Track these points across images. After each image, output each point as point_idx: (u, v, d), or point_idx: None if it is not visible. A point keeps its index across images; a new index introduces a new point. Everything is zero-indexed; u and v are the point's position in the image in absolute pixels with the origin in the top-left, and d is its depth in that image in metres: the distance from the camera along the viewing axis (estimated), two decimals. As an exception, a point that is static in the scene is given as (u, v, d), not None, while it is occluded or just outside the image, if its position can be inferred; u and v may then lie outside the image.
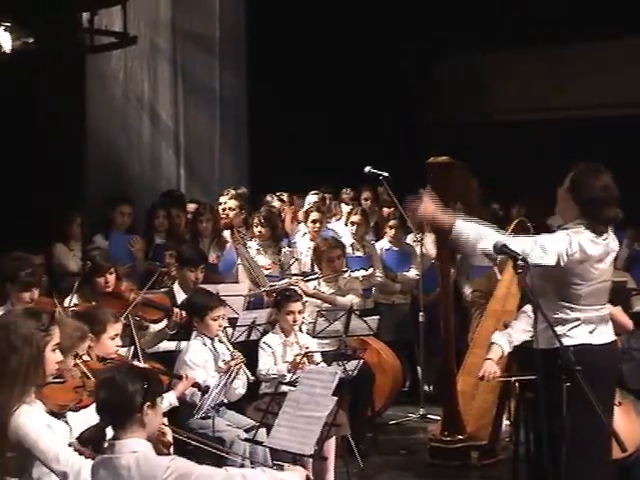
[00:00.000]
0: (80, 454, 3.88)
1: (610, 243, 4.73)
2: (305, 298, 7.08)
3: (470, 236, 4.57)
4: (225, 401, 6.05)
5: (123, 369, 3.80)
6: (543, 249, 4.55)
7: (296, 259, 8.48)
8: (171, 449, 4.28)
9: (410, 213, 4.73)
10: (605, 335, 4.77)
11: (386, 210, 9.67)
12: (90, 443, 3.78)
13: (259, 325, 6.74)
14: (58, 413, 4.26)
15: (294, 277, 7.87)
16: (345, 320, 7.16)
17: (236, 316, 6.74)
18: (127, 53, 10.06)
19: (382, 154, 9.06)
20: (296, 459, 5.02)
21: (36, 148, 8.64)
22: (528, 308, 4.91)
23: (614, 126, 11.54)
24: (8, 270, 5.83)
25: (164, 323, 6.47)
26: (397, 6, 12.05)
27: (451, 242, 4.77)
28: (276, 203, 9.60)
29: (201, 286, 6.84)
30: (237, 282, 7.67)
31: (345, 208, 9.74)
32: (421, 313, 8.21)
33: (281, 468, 4.35)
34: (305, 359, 6.32)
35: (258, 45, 11.54)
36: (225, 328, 6.30)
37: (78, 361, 4.79)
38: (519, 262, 4.43)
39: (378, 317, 7.51)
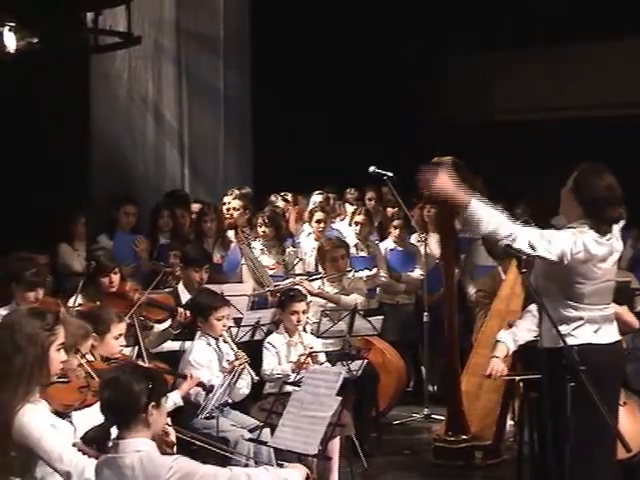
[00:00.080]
0: (84, 454, 3.88)
1: (614, 243, 4.74)
2: (309, 298, 7.10)
3: (483, 217, 4.55)
4: (229, 401, 6.05)
5: (128, 369, 3.80)
6: (549, 243, 4.56)
7: (300, 259, 8.48)
8: (174, 449, 4.25)
9: (424, 184, 4.68)
10: (610, 335, 4.77)
11: (390, 210, 9.66)
12: (95, 443, 3.78)
13: (263, 325, 6.75)
14: (62, 413, 4.26)
15: (298, 277, 7.88)
16: (349, 320, 7.16)
17: (240, 316, 6.74)
18: (131, 53, 10.08)
19: (384, 154, 9.05)
20: (300, 459, 5.04)
21: (40, 148, 8.67)
22: (533, 307, 4.92)
23: (614, 126, 11.53)
24: (13, 270, 5.83)
25: (168, 323, 6.47)
26: (397, 6, 12.03)
27: (463, 219, 4.73)
28: (280, 203, 9.60)
29: (205, 286, 6.85)
30: (241, 282, 7.68)
31: (349, 208, 9.74)
32: (425, 313, 8.20)
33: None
34: (309, 359, 6.32)
35: (262, 45, 11.55)
36: (229, 328, 6.30)
37: (82, 361, 4.80)
38: (523, 256, 4.46)
39: (382, 317, 7.51)
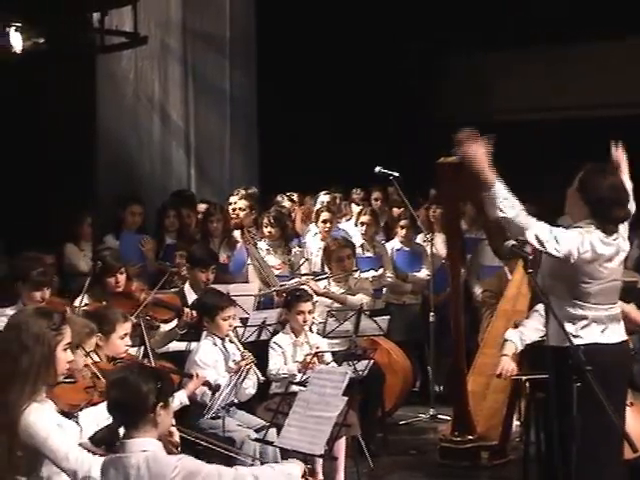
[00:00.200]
0: (91, 453, 3.90)
1: (620, 243, 4.75)
2: (315, 298, 7.11)
3: (503, 202, 4.57)
4: (235, 401, 6.05)
5: (135, 369, 3.81)
6: (557, 241, 4.58)
7: (306, 259, 8.49)
8: (179, 449, 4.27)
9: (459, 145, 4.68)
10: (616, 334, 4.77)
11: (396, 210, 9.66)
12: (103, 443, 3.80)
13: (269, 325, 6.74)
14: (69, 413, 4.27)
15: (304, 277, 7.89)
16: (355, 320, 7.16)
17: (246, 316, 6.75)
18: (138, 53, 10.10)
19: (388, 154, 9.07)
20: (306, 459, 5.05)
21: (46, 148, 8.71)
22: (540, 307, 4.93)
23: (616, 126, 11.50)
24: (20, 269, 5.87)
25: (174, 323, 6.48)
26: (399, 6, 12.02)
27: (483, 197, 4.74)
28: (286, 203, 9.63)
29: (212, 286, 6.85)
30: (247, 282, 7.69)
31: (355, 208, 9.75)
32: (431, 313, 8.21)
33: None
34: (315, 359, 6.33)
35: (268, 46, 11.56)
36: (235, 328, 6.30)
37: (89, 361, 4.82)
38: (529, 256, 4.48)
39: (388, 317, 7.51)
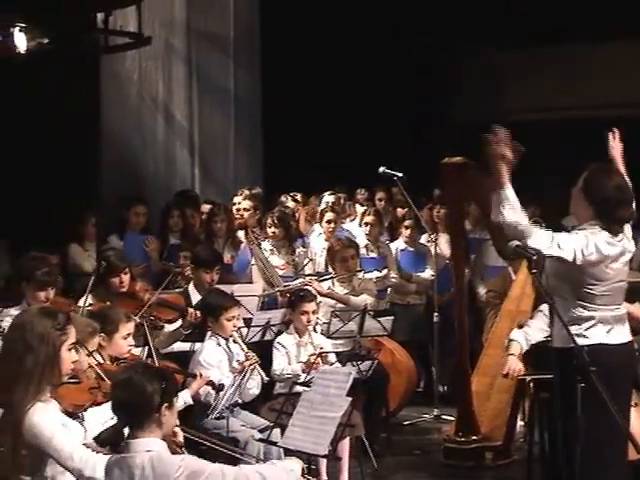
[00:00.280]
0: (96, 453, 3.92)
1: (625, 243, 4.75)
2: (319, 298, 7.11)
3: (508, 206, 4.58)
4: (239, 401, 6.05)
5: (140, 369, 3.81)
6: (559, 247, 4.58)
7: (310, 259, 8.48)
8: (183, 449, 4.26)
9: (492, 139, 4.70)
10: (622, 335, 4.77)
11: (400, 210, 9.65)
12: (108, 444, 3.81)
13: (273, 325, 6.75)
14: (73, 413, 4.28)
15: (308, 277, 7.89)
16: (359, 320, 7.16)
17: (250, 316, 6.76)
18: (142, 53, 10.11)
19: (393, 153, 9.05)
20: (310, 459, 5.05)
21: (51, 148, 8.73)
22: (544, 307, 4.92)
23: (620, 126, 11.48)
24: (24, 269, 5.88)
25: (178, 323, 6.48)
26: (403, 2, 11.96)
27: (491, 197, 4.76)
28: (290, 203, 9.63)
29: (216, 286, 6.86)
30: (251, 282, 7.70)
31: (359, 209, 9.73)
32: (435, 313, 8.21)
33: None
34: (319, 359, 6.34)
35: (272, 45, 11.57)
36: (239, 328, 6.31)
37: (93, 363, 4.85)
38: (533, 256, 4.48)
39: (392, 317, 7.51)
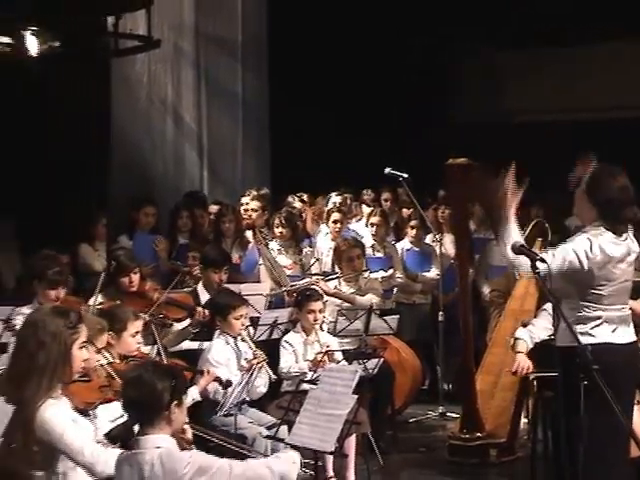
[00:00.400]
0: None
1: (630, 243, 4.78)
2: (326, 297, 7.13)
3: (507, 243, 4.66)
4: (247, 399, 6.07)
5: (150, 367, 3.84)
6: (554, 256, 4.62)
7: (317, 259, 8.51)
8: (192, 446, 4.26)
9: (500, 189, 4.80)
10: (627, 335, 4.80)
11: (405, 211, 9.68)
12: (118, 440, 3.91)
13: (280, 324, 6.77)
14: (83, 410, 4.32)
15: (314, 277, 7.90)
16: (365, 319, 7.19)
17: (258, 315, 6.77)
18: (151, 56, 10.11)
19: (399, 155, 9.07)
20: (317, 456, 5.09)
21: (62, 150, 8.73)
22: (548, 306, 4.98)
23: (628, 128, 11.45)
24: (36, 268, 5.93)
25: (187, 322, 6.52)
26: (404, 3, 11.97)
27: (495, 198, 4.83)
28: (297, 204, 9.63)
29: (224, 286, 6.88)
30: (259, 282, 7.72)
31: (366, 209, 9.74)
32: (440, 312, 8.21)
33: None
34: (326, 357, 6.36)
35: (280, 48, 11.56)
36: (247, 327, 6.33)
37: (104, 362, 4.90)
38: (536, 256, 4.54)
39: (398, 316, 7.53)
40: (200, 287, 7.02)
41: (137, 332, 5.50)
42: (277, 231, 8.25)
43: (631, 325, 4.84)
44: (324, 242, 8.83)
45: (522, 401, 7.11)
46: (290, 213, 8.58)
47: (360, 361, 6.53)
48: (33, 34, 8.02)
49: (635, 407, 4.97)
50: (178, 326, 6.51)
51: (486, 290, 8.07)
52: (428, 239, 9.09)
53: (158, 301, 6.30)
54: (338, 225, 8.71)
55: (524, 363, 5.19)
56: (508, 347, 5.66)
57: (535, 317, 5.35)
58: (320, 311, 6.70)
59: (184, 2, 10.70)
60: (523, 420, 7.30)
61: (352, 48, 11.86)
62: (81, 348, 4.10)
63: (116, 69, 9.55)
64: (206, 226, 8.87)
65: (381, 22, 12.09)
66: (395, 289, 8.74)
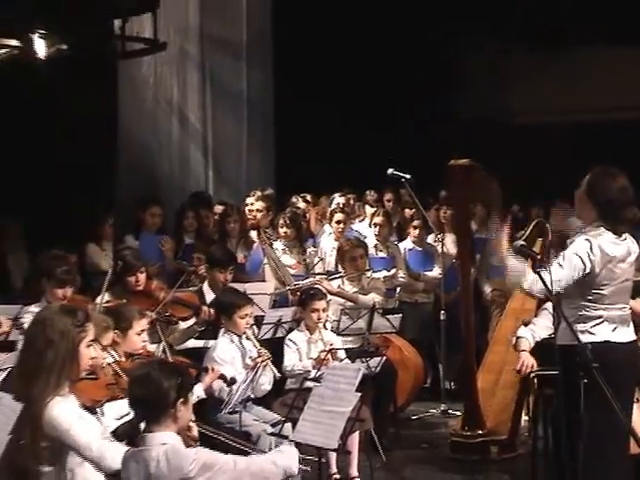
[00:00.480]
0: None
1: (629, 244, 4.83)
2: (329, 296, 7.12)
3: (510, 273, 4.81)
4: (252, 396, 6.07)
5: (156, 365, 3.88)
6: (560, 265, 4.69)
7: (321, 259, 8.52)
8: (197, 443, 4.27)
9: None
10: (627, 334, 4.85)
11: (408, 211, 9.70)
12: (125, 438, 3.94)
13: (285, 323, 6.80)
14: (91, 408, 4.35)
15: (318, 276, 7.90)
16: (368, 318, 7.20)
17: (263, 314, 6.79)
18: (157, 59, 10.17)
19: (402, 156, 9.09)
20: (320, 453, 5.08)
21: (70, 151, 8.77)
22: (549, 305, 5.02)
23: (630, 129, 11.47)
24: (45, 266, 5.98)
25: (193, 321, 6.56)
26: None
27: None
28: (301, 204, 9.65)
29: (229, 285, 6.90)
30: (263, 281, 7.74)
31: (369, 210, 9.75)
32: (442, 311, 8.23)
33: None
34: (329, 356, 6.36)
35: (284, 48, 11.59)
36: (252, 325, 6.35)
37: (111, 360, 4.94)
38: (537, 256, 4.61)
39: (401, 315, 7.56)
40: (205, 286, 7.04)
41: (142, 330, 5.53)
42: (282, 231, 8.26)
43: (631, 325, 4.89)
44: (327, 242, 8.86)
45: (523, 399, 7.11)
46: (295, 213, 8.59)
47: (363, 359, 6.55)
48: (41, 37, 8.09)
49: (634, 405, 5.00)
50: (184, 325, 6.55)
51: (487, 289, 8.09)
52: (430, 239, 9.11)
53: (164, 300, 6.33)
54: (341, 225, 8.75)
55: (528, 361, 5.21)
56: (510, 346, 5.67)
57: (536, 316, 5.37)
58: (324, 310, 6.72)
59: (189, 5, 10.75)
60: (524, 417, 7.29)
61: (356, 44, 11.89)
62: (88, 346, 4.13)
63: (123, 71, 9.63)
64: (211, 226, 8.88)
65: (385, 18, 12.12)
66: (398, 288, 8.76)
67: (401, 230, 9.55)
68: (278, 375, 6.19)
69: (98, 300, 6.18)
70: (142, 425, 3.80)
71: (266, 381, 6.12)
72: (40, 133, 8.78)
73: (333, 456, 6.18)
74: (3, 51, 8.28)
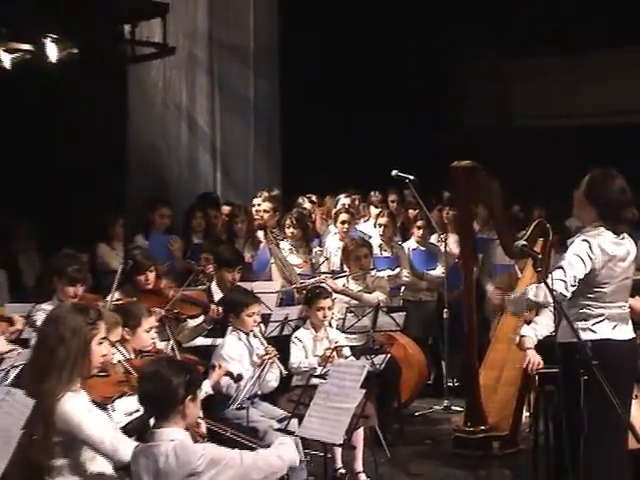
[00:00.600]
0: None
1: (628, 244, 4.90)
2: (334, 295, 7.19)
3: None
4: (259, 393, 6.12)
5: (165, 363, 3.96)
6: (568, 267, 4.76)
7: (326, 258, 8.58)
8: (205, 439, 4.37)
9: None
10: (626, 332, 4.91)
11: (411, 212, 9.75)
12: (135, 433, 4.00)
13: (291, 321, 6.86)
14: (101, 404, 4.40)
15: (323, 275, 7.95)
16: (373, 316, 7.24)
17: (269, 312, 6.84)
18: (166, 63, 10.23)
19: (405, 157, 9.17)
20: (326, 448, 5.20)
21: (81, 153, 8.84)
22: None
23: (633, 133, 11.50)
24: (57, 265, 6.05)
25: (201, 319, 6.63)
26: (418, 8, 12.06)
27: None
28: (307, 205, 9.68)
29: (237, 284, 6.96)
30: (270, 280, 7.79)
31: (373, 210, 9.78)
32: (445, 310, 8.28)
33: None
34: (335, 353, 6.43)
35: (291, 55, 11.64)
36: (259, 323, 6.40)
37: (120, 357, 5.01)
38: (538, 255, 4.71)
39: (404, 313, 7.58)
40: (214, 286, 7.10)
41: (151, 328, 5.59)
42: (288, 231, 8.30)
43: (630, 323, 4.95)
44: (333, 242, 8.90)
45: (524, 395, 7.18)
46: (301, 214, 8.64)
47: (368, 357, 6.59)
48: (53, 41, 8.17)
49: (634, 401, 5.07)
50: (192, 323, 6.62)
51: (489, 288, 8.08)
52: (433, 239, 9.17)
53: (173, 298, 6.39)
54: (346, 226, 8.77)
55: (534, 359, 5.25)
56: (511, 343, 5.76)
57: (537, 314, 5.38)
58: (329, 308, 6.77)
59: (198, 11, 10.79)
60: (525, 414, 7.36)
61: (360, 53, 11.93)
62: (100, 344, 4.20)
63: (133, 75, 9.67)
64: (219, 226, 8.93)
65: (388, 27, 12.12)
66: (402, 287, 8.80)
67: (405, 230, 9.58)
68: (284, 372, 6.23)
69: (108, 298, 6.22)
70: (151, 421, 3.88)
71: (273, 378, 6.15)
72: (51, 135, 8.83)
73: (338, 451, 6.24)
74: (15, 55, 8.36)
